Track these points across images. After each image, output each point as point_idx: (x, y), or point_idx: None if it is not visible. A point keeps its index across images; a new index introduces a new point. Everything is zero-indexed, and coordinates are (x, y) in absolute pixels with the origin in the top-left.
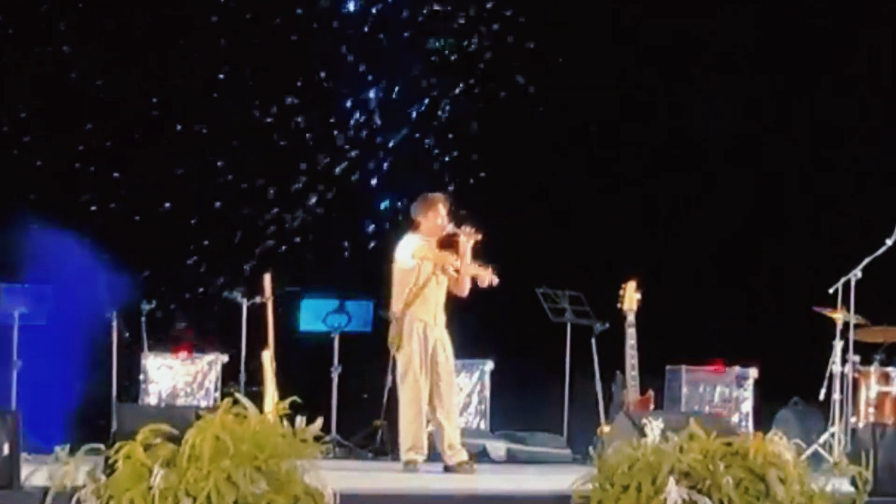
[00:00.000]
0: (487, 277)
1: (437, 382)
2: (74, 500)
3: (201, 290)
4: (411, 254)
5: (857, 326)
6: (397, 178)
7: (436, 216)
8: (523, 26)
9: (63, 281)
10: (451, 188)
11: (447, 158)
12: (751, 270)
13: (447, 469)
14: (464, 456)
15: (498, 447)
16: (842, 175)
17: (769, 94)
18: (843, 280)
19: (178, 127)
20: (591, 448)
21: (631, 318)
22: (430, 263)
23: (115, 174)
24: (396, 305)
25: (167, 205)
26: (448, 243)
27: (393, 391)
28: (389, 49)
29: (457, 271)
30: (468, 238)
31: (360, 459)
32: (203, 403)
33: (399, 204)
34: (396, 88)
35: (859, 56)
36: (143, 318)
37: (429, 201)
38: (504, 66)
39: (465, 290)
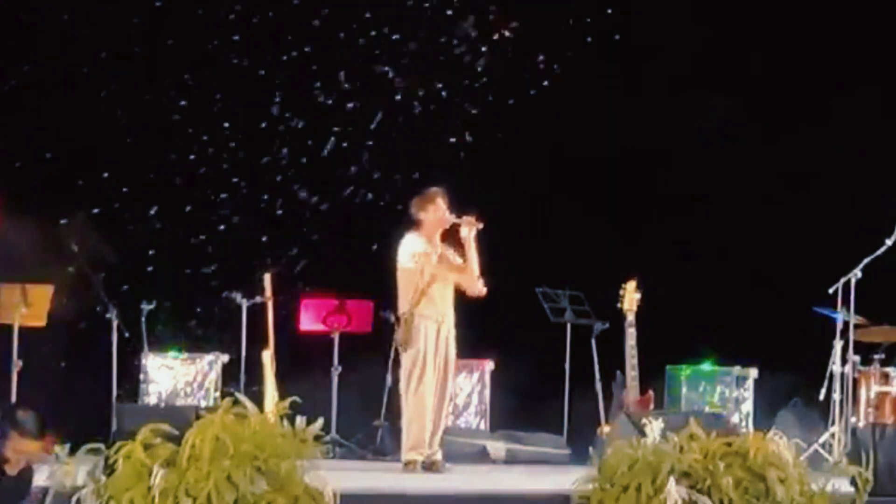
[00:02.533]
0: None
1: (443, 380)
2: (74, 500)
3: (201, 289)
4: (410, 255)
5: (857, 326)
6: (398, 177)
7: (435, 210)
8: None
9: (63, 281)
10: (450, 188)
11: (446, 159)
12: (751, 270)
13: (422, 466)
14: (439, 457)
15: (498, 447)
16: (841, 174)
17: (769, 93)
18: (843, 280)
19: (179, 127)
20: (591, 448)
21: (631, 318)
22: (434, 260)
23: (114, 173)
24: (403, 306)
25: (166, 204)
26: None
27: (393, 391)
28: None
29: (463, 261)
30: (469, 228)
31: (360, 459)
32: (203, 403)
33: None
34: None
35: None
36: (143, 318)
37: (427, 197)
38: (504, 67)
39: (475, 288)
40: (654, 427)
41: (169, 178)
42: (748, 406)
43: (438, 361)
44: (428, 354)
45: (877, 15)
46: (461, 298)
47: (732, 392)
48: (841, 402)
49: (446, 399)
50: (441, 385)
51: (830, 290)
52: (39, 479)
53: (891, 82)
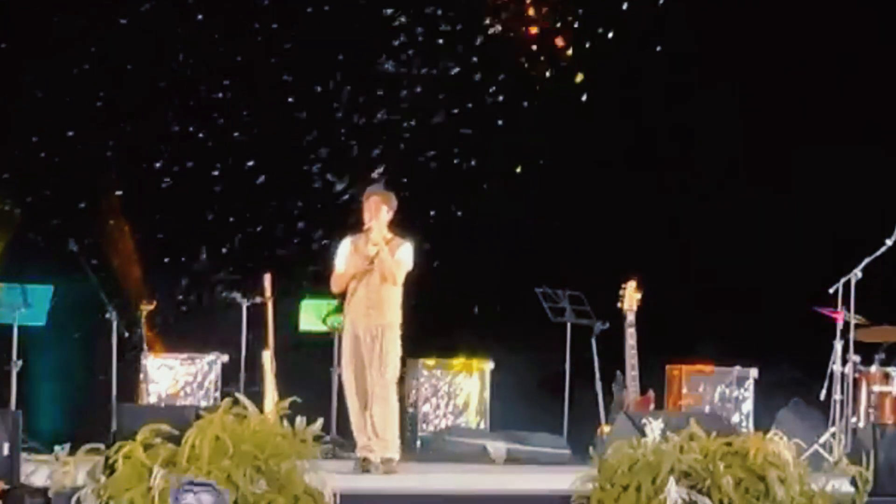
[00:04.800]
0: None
1: (370, 378)
2: (74, 500)
3: (201, 289)
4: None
5: (857, 326)
6: (397, 178)
7: (365, 209)
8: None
9: (63, 281)
10: (451, 189)
11: (447, 160)
12: (751, 270)
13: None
14: (372, 456)
15: (498, 447)
16: (842, 174)
17: (768, 94)
18: (843, 280)
19: (181, 128)
20: (591, 448)
21: (631, 318)
22: (358, 260)
23: (115, 173)
24: None
25: (167, 203)
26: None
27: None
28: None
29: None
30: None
31: None
32: (203, 403)
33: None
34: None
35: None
36: (142, 318)
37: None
38: (503, 69)
39: (390, 279)
40: (654, 427)
41: (169, 175)
42: (748, 406)
43: (365, 357)
44: (344, 356)
45: (878, 16)
46: (461, 298)
47: (732, 392)
48: (841, 402)
49: (380, 397)
50: (371, 386)
51: (830, 290)
52: (39, 479)
53: (889, 81)
